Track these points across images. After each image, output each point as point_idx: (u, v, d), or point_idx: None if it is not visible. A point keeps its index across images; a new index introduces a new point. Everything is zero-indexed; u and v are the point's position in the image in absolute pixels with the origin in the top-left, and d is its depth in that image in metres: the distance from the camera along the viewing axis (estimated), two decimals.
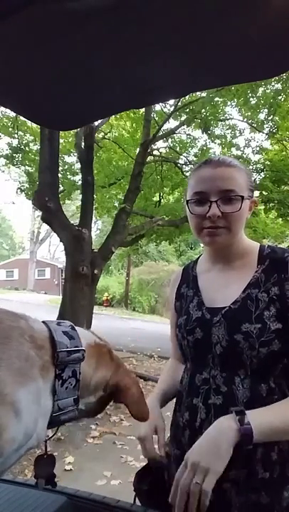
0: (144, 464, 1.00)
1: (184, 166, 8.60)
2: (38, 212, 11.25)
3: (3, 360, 0.53)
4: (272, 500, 0.78)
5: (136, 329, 12.11)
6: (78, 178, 7.89)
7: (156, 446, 0.93)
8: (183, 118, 7.87)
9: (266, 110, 7.58)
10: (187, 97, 6.55)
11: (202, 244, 1.00)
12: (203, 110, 7.39)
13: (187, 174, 7.91)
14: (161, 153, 8.81)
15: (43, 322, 0.65)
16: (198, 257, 1.06)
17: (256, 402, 0.81)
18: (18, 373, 0.54)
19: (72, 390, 0.62)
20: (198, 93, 6.77)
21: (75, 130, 6.12)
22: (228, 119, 8.31)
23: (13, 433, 0.52)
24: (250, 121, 8.06)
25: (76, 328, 0.68)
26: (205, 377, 0.88)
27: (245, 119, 8.14)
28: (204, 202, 0.87)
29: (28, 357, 0.56)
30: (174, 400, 1.03)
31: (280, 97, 7.17)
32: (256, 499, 0.79)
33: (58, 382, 0.59)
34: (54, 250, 36.47)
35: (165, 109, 7.80)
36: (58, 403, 0.60)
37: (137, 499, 0.96)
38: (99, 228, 23.82)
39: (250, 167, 7.94)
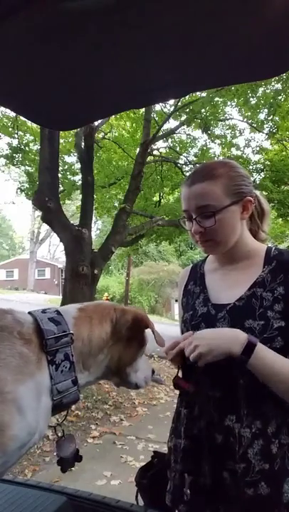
0: (148, 460, 1.02)
1: (184, 166, 8.60)
2: (38, 212, 11.24)
3: (0, 360, 0.54)
4: (271, 491, 0.79)
5: None
6: (78, 178, 7.88)
7: None
8: (183, 118, 7.86)
9: (266, 110, 7.57)
10: (187, 97, 6.54)
11: None
12: (203, 110, 7.38)
13: (187, 174, 7.90)
14: (161, 153, 8.80)
15: (29, 313, 0.66)
16: (207, 256, 1.08)
17: (257, 396, 0.82)
18: (17, 371, 0.56)
19: (68, 372, 0.64)
20: (198, 93, 6.76)
21: (75, 130, 6.12)
22: (228, 119, 8.31)
23: (15, 430, 0.53)
24: (250, 121, 8.05)
25: (60, 310, 0.70)
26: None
27: (245, 119, 8.13)
28: (190, 219, 0.93)
29: (21, 354, 0.58)
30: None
31: (280, 97, 7.16)
32: (254, 493, 0.79)
33: (52, 368, 0.61)
34: (54, 250, 36.49)
35: (165, 109, 7.80)
36: (56, 387, 0.62)
37: (139, 496, 0.98)
38: (99, 228, 23.83)
39: (250, 167, 7.94)
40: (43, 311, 0.67)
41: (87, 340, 0.69)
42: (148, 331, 0.83)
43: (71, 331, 0.66)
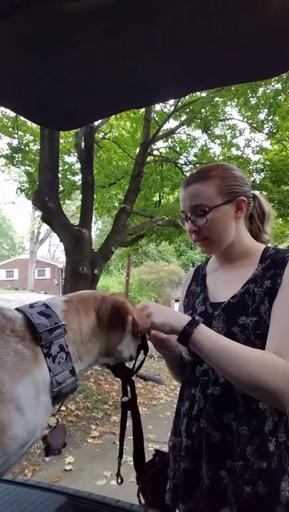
0: (148, 459, 1.03)
1: (184, 166, 8.60)
2: (38, 212, 11.24)
3: None
4: (269, 490, 0.79)
5: None
6: (78, 178, 7.88)
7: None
8: (183, 118, 7.86)
9: (266, 110, 7.57)
10: (187, 97, 6.54)
11: None
12: (203, 110, 7.38)
13: (187, 174, 7.91)
14: (161, 153, 8.80)
15: (17, 309, 0.66)
16: (210, 258, 1.11)
17: None
18: (13, 370, 0.55)
19: (65, 363, 0.64)
20: (198, 93, 6.76)
21: (75, 130, 6.12)
22: (228, 119, 8.31)
23: (16, 430, 0.53)
24: (250, 121, 8.05)
25: (49, 303, 0.70)
26: (205, 369, 0.90)
27: (245, 119, 8.13)
28: (186, 219, 0.97)
29: (17, 351, 0.57)
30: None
31: (280, 97, 7.16)
32: (252, 491, 0.79)
33: (49, 360, 0.62)
34: (54, 250, 36.46)
35: (165, 109, 7.80)
36: (55, 378, 0.62)
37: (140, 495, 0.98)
38: (99, 228, 23.81)
39: (250, 167, 7.94)
40: (31, 306, 0.67)
41: (78, 331, 0.70)
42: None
43: (63, 323, 0.66)
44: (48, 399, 0.61)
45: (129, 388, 0.93)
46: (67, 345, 0.65)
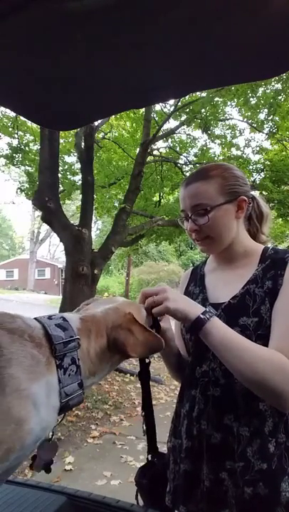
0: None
1: (184, 166, 8.60)
2: (38, 212, 11.23)
3: (13, 360, 0.56)
4: (270, 491, 0.79)
5: None
6: (78, 178, 7.88)
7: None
8: (183, 118, 7.86)
9: (266, 110, 7.57)
10: (187, 97, 6.54)
11: None
12: (203, 110, 7.38)
13: (187, 174, 7.91)
14: (161, 153, 8.80)
15: (35, 319, 0.67)
16: (207, 258, 1.10)
17: (254, 394, 0.82)
18: (29, 371, 0.57)
19: (74, 375, 0.65)
20: (198, 93, 6.76)
21: (75, 130, 6.12)
22: (228, 119, 8.31)
23: (32, 424, 0.55)
24: (250, 121, 8.05)
25: (66, 316, 0.71)
26: (205, 370, 0.90)
27: (245, 119, 8.13)
28: (187, 218, 0.97)
29: (33, 355, 0.59)
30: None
31: (280, 97, 7.16)
32: (253, 492, 0.79)
33: (60, 372, 0.63)
34: (54, 250, 36.51)
35: (165, 109, 7.80)
36: (64, 390, 0.64)
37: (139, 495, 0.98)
38: (99, 228, 23.83)
39: (250, 167, 7.93)
40: (49, 318, 0.69)
41: (86, 352, 0.71)
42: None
43: (77, 336, 0.68)
44: (57, 405, 0.63)
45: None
46: (78, 359, 0.67)
